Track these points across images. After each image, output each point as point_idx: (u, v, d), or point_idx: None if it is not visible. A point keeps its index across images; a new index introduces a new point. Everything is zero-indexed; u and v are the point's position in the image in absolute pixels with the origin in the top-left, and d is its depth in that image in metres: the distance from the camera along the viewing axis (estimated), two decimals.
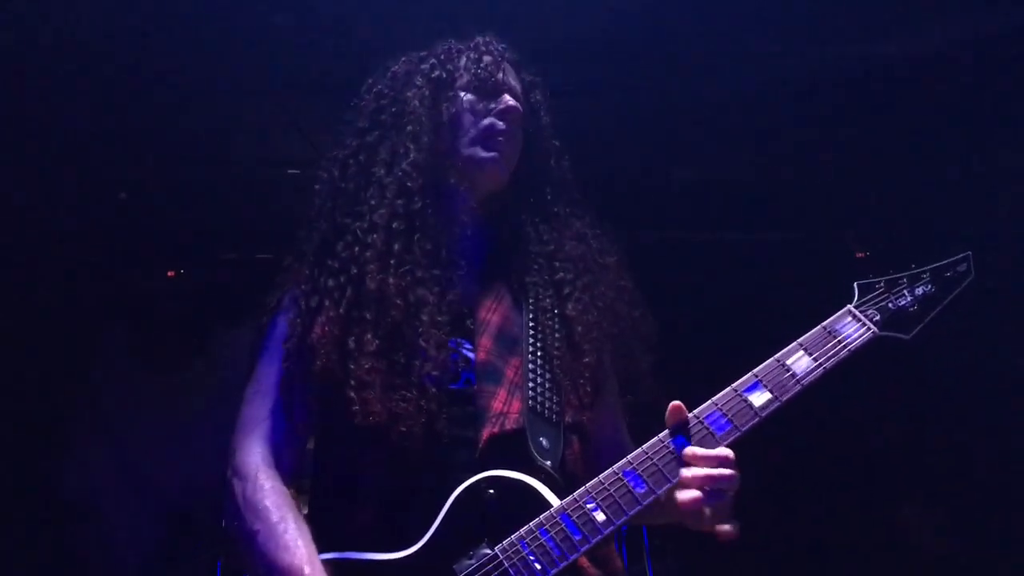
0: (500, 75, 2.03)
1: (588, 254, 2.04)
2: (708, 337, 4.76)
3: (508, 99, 1.99)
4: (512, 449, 1.71)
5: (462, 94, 2.00)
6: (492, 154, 1.96)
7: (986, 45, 3.79)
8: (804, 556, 5.05)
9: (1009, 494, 4.67)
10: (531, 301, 1.93)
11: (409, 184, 1.91)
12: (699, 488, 1.58)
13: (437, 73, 2.02)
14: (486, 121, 1.97)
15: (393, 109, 2.01)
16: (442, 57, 2.05)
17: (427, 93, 2.00)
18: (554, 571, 1.57)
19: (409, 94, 2.00)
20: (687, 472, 1.60)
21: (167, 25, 3.68)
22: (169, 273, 5.39)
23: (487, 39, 2.09)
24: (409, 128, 1.96)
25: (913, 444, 5.11)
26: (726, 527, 1.59)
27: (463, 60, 2.05)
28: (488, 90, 2.01)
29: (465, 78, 2.02)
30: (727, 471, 1.58)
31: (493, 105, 1.99)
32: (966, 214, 4.56)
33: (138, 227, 5.06)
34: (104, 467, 5.38)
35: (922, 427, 5.03)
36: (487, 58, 2.04)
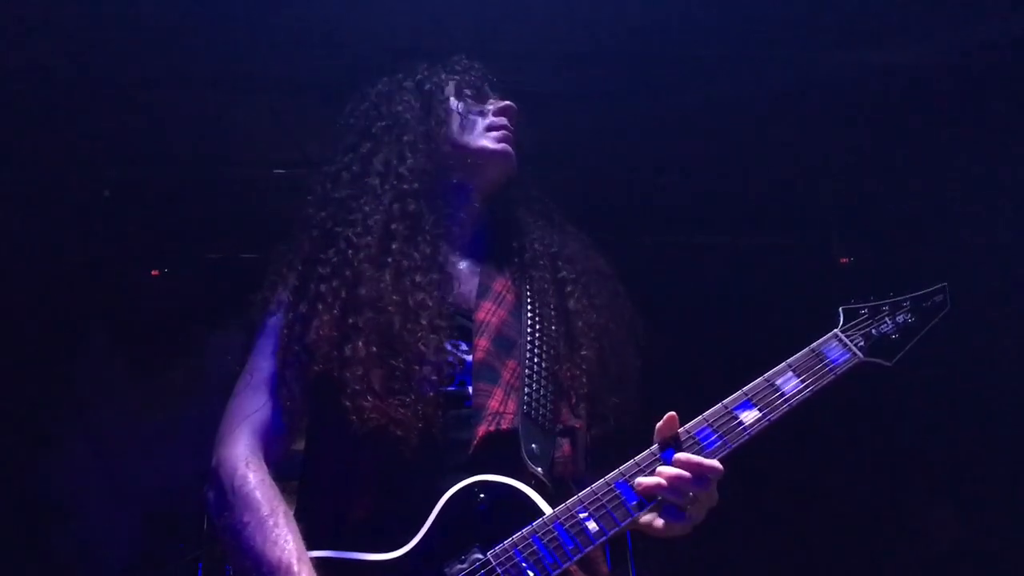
0: (486, 84, 2.15)
1: (587, 258, 2.11)
2: (694, 340, 4.78)
3: (503, 99, 2.10)
4: (504, 451, 1.72)
5: (453, 101, 2.09)
6: (502, 145, 2.04)
7: (981, 54, 3.82)
8: (791, 560, 5.07)
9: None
10: (531, 299, 1.95)
11: (406, 187, 1.96)
12: (664, 477, 1.61)
13: (426, 86, 2.12)
14: (490, 117, 2.07)
15: (383, 123, 2.07)
16: (426, 72, 2.16)
17: (417, 104, 2.09)
18: None
19: (399, 108, 2.08)
20: (661, 468, 1.63)
21: (153, 23, 3.66)
22: (153, 272, 5.35)
23: (463, 56, 2.21)
24: (405, 137, 2.03)
25: (924, 442, 5.08)
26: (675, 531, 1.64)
27: (446, 74, 2.15)
28: (477, 96, 2.12)
29: (453, 88, 2.12)
30: (689, 475, 1.60)
31: (488, 106, 2.10)
32: (952, 222, 4.60)
33: (122, 225, 5.02)
34: (86, 467, 5.33)
35: (935, 426, 5.01)
36: (471, 69, 2.17)
